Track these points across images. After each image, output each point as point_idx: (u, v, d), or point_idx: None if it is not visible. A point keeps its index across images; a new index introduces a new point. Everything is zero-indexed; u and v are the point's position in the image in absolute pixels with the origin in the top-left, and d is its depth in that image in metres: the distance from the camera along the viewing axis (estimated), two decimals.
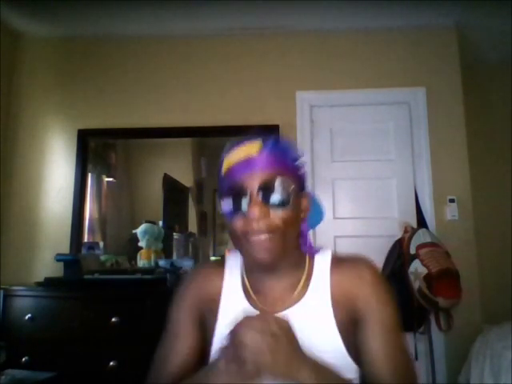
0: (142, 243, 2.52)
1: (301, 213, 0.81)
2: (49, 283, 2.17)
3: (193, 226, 2.72)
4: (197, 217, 2.75)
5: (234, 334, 0.65)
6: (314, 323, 0.77)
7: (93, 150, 2.72)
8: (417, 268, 2.02)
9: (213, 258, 2.58)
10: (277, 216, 0.75)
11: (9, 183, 2.62)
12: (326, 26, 2.67)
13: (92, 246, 2.57)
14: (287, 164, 0.79)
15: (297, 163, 0.82)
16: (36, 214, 2.60)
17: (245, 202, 0.75)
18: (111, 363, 1.90)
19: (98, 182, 2.73)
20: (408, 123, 2.61)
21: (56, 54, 2.81)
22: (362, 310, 0.77)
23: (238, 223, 0.76)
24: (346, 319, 0.77)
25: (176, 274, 2.15)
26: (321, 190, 2.53)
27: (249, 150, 0.78)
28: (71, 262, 2.24)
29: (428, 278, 1.97)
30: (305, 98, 2.64)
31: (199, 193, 2.76)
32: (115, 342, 1.95)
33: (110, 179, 2.79)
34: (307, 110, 2.63)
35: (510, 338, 1.78)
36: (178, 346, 0.83)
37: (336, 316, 0.77)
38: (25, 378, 1.74)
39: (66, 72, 2.78)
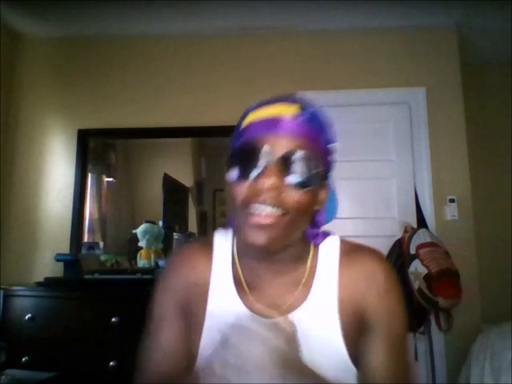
0: (142, 243, 2.52)
1: (316, 203, 0.67)
2: (49, 283, 2.17)
3: (193, 226, 2.71)
4: (197, 217, 2.75)
5: (233, 345, 0.54)
6: (318, 332, 0.68)
7: (93, 150, 2.72)
8: (417, 268, 2.02)
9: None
10: (291, 196, 0.62)
11: (9, 183, 2.62)
12: (326, 26, 2.67)
13: (92, 246, 2.57)
14: (321, 142, 0.66)
15: (330, 146, 0.69)
16: (36, 214, 2.60)
17: (257, 170, 0.61)
18: (111, 363, 1.90)
19: (98, 182, 2.73)
20: (408, 123, 2.61)
21: (56, 54, 2.81)
22: (370, 319, 0.69)
23: (242, 189, 0.62)
24: (352, 328, 0.69)
25: None
26: None
27: (282, 110, 0.64)
28: (71, 262, 2.24)
29: (428, 278, 1.96)
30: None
31: (199, 193, 2.76)
32: (115, 342, 1.94)
33: (110, 179, 2.79)
34: None
35: (510, 338, 1.78)
36: (163, 337, 0.75)
37: (342, 324, 0.68)
38: (25, 378, 1.74)
39: (66, 72, 2.78)
